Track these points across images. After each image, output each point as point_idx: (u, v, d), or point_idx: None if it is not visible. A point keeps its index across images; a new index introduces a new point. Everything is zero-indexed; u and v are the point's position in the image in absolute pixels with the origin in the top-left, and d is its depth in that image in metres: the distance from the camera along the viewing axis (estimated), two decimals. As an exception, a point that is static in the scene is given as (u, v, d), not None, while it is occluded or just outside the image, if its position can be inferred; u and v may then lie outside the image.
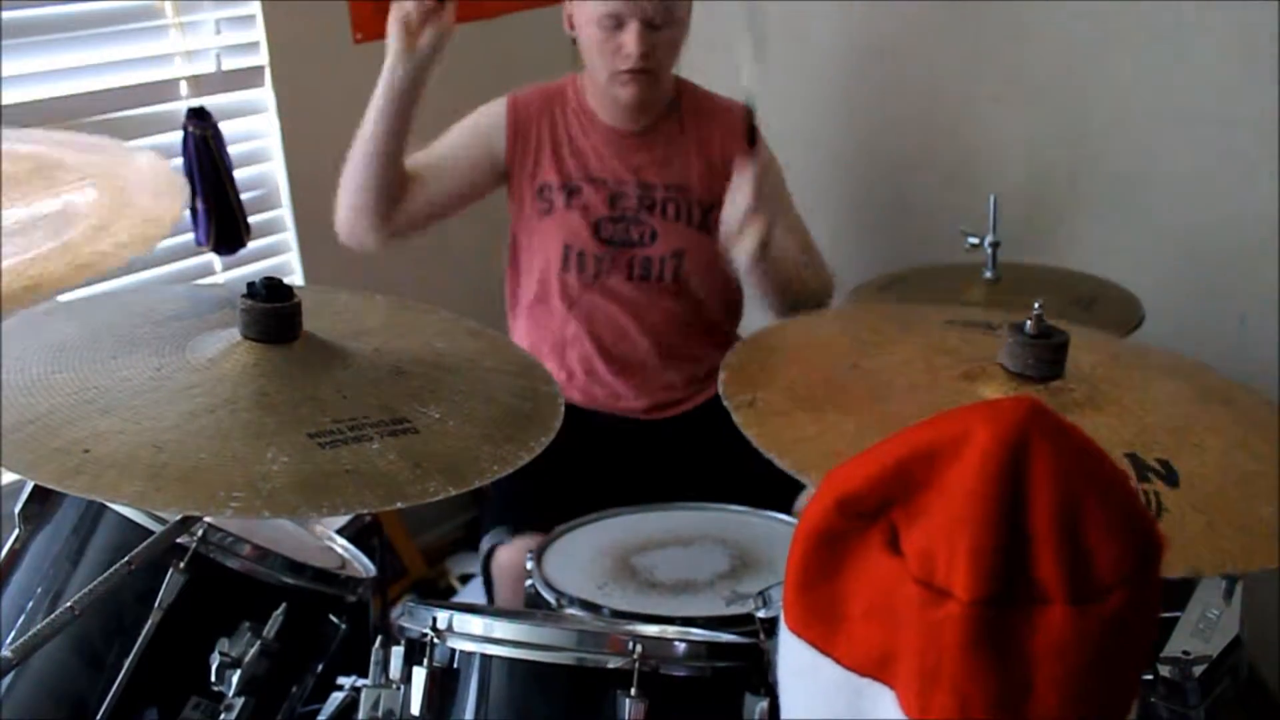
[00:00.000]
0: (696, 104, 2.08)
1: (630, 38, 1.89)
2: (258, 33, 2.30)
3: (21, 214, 1.09)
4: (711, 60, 2.12)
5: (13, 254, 1.01)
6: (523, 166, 2.04)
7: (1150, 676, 1.09)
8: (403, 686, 1.23)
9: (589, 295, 2.04)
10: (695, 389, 2.11)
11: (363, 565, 1.50)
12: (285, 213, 2.42)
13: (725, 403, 1.17)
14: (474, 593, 2.57)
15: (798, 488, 1.74)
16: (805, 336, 1.40)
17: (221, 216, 2.19)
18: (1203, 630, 1.16)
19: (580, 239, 2.02)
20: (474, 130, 2.06)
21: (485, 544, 1.92)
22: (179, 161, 2.16)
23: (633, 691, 1.17)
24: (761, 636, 1.22)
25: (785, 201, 2.08)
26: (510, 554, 1.85)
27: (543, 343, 2.10)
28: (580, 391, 2.09)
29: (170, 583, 1.23)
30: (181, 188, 1.24)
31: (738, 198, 1.80)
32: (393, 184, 1.94)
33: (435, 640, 1.23)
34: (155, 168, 1.26)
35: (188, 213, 2.18)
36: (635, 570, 1.55)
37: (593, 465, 1.96)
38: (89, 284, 1.18)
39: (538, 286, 2.07)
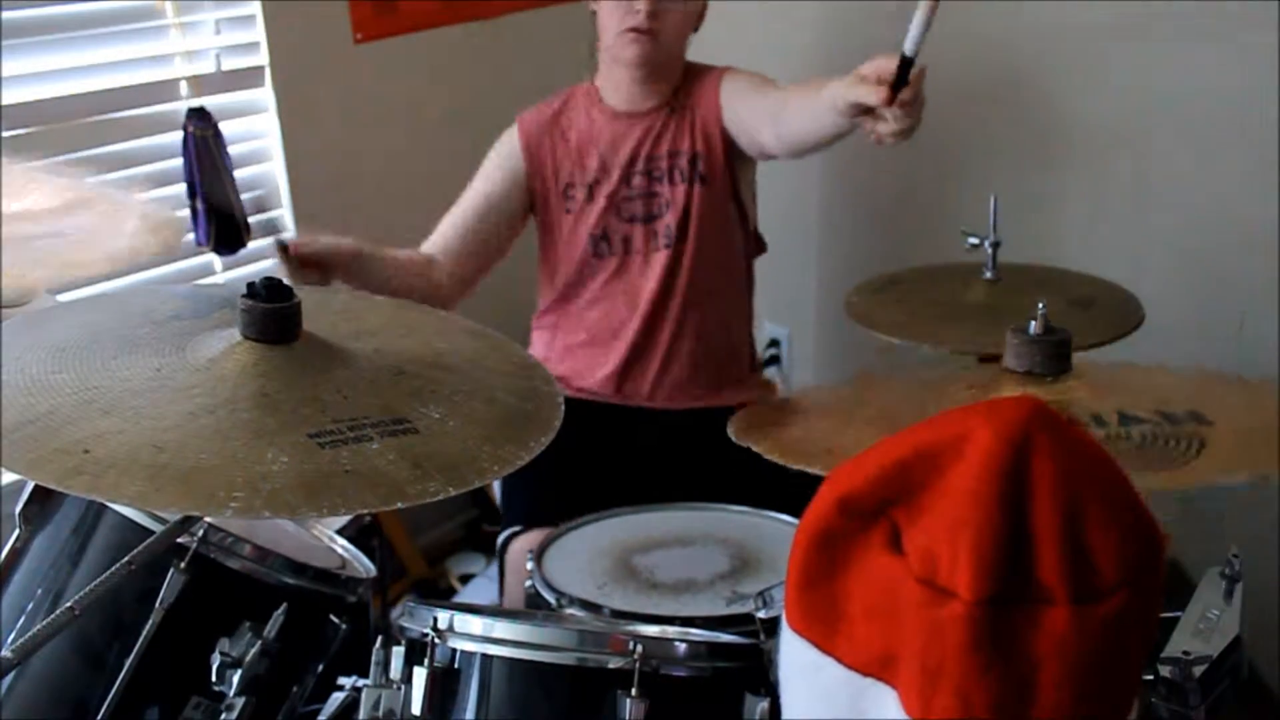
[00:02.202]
0: (695, 81, 2.14)
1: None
2: (258, 33, 2.30)
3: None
4: (721, 61, 2.14)
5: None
6: (543, 178, 2.12)
7: (1150, 676, 1.09)
8: (403, 686, 1.23)
9: (620, 279, 2.12)
10: (713, 388, 2.16)
11: (363, 565, 1.49)
12: (285, 213, 2.42)
13: (743, 444, 1.18)
14: (474, 593, 2.58)
15: (803, 497, 1.76)
16: (807, 400, 1.42)
17: (221, 216, 2.19)
18: (1203, 630, 1.16)
19: (606, 224, 2.10)
20: (497, 171, 2.13)
21: (502, 536, 1.97)
22: (179, 161, 2.15)
23: (633, 691, 1.17)
24: (762, 637, 1.21)
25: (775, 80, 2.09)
26: (524, 546, 1.88)
27: (578, 338, 2.16)
28: (610, 384, 2.15)
29: (171, 583, 1.23)
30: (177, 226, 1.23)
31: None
32: (423, 292, 1.98)
33: (436, 640, 1.23)
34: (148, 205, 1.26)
35: (188, 212, 2.18)
36: (636, 570, 1.55)
37: (613, 459, 2.03)
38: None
39: (571, 282, 2.14)
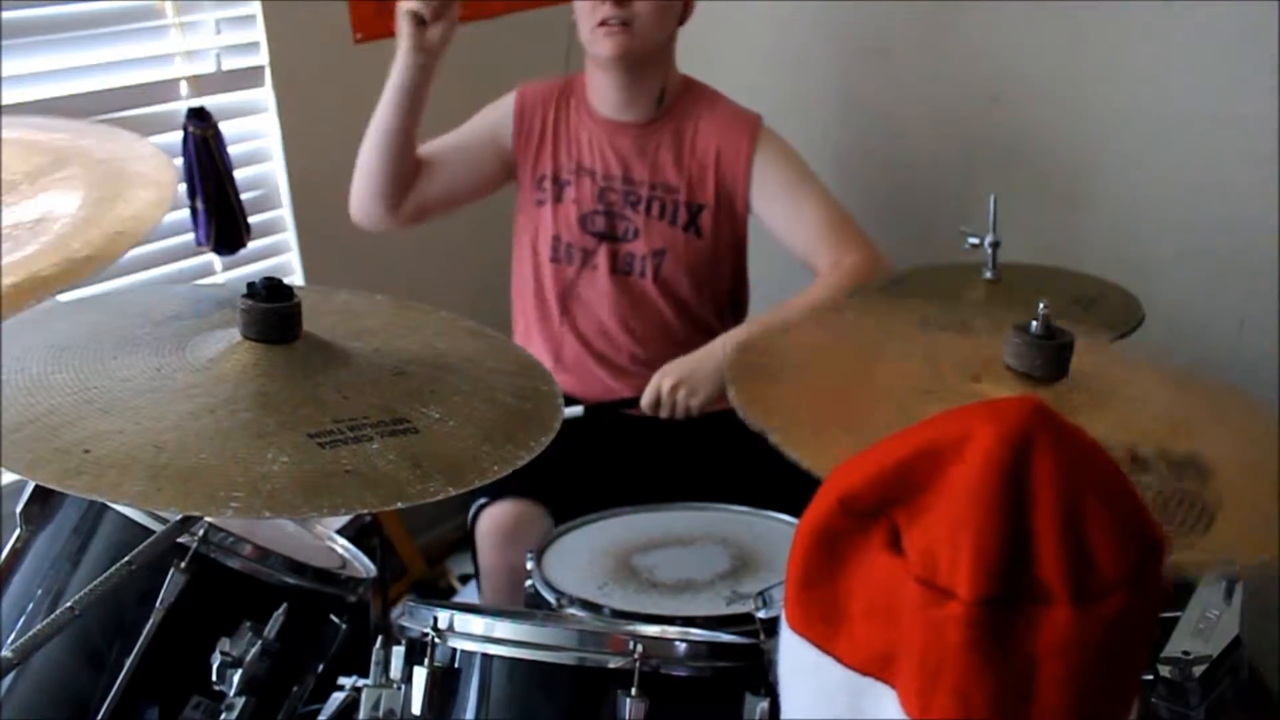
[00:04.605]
0: (699, 104, 2.09)
1: None
2: (258, 33, 2.30)
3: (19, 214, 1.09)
4: (721, 61, 2.14)
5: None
6: (525, 155, 2.09)
7: (1150, 676, 1.09)
8: (403, 686, 1.24)
9: (576, 288, 2.08)
10: None
11: (363, 565, 1.50)
12: (285, 213, 2.42)
13: (756, 429, 1.15)
14: (474, 593, 2.57)
15: (803, 497, 1.74)
16: (798, 351, 1.36)
17: (221, 216, 2.19)
18: (1203, 630, 1.16)
19: (569, 231, 2.06)
20: (486, 123, 2.12)
21: (472, 509, 1.94)
22: (179, 162, 2.16)
23: (633, 691, 1.17)
24: (762, 636, 1.22)
25: (808, 186, 2.08)
26: (494, 516, 1.86)
27: (538, 332, 2.13)
28: (574, 385, 2.10)
29: (171, 582, 1.23)
30: (172, 182, 1.22)
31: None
32: (404, 171, 2.01)
33: (436, 640, 1.23)
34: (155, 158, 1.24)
35: (188, 212, 2.18)
36: (636, 570, 1.55)
37: (587, 456, 1.97)
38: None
39: (532, 277, 2.12)
